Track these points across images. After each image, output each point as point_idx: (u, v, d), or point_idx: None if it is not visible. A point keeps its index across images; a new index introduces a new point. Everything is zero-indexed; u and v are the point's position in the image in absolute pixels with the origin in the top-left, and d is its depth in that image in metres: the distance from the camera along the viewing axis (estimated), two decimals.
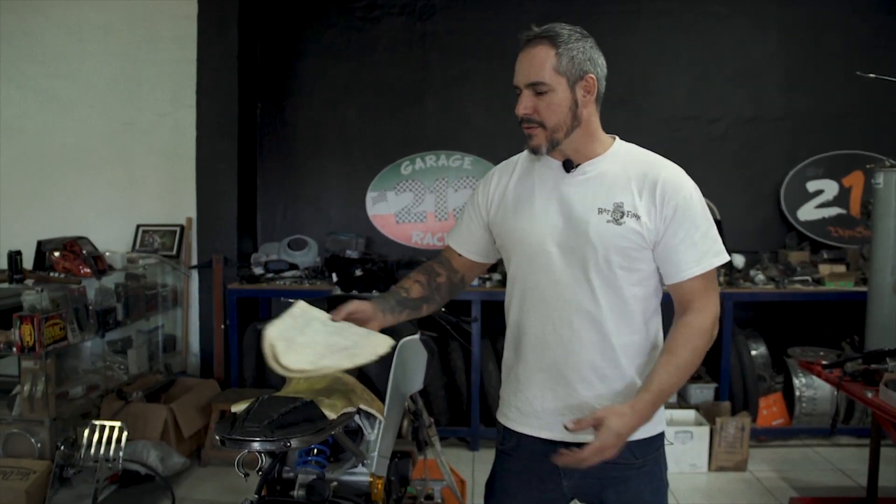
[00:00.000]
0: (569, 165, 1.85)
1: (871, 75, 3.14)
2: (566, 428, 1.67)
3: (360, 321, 1.92)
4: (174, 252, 5.19)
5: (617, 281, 1.79)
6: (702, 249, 1.77)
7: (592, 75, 1.80)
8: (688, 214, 1.77)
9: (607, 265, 1.78)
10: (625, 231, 1.76)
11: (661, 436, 1.92)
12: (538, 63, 1.77)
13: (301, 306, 1.93)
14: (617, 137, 1.92)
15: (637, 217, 1.76)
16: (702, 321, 1.77)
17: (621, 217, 1.77)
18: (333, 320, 1.90)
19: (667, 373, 1.73)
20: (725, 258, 1.81)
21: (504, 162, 2.04)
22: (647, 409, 1.70)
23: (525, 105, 1.80)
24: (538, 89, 1.78)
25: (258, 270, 4.97)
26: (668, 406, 4.69)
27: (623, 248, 1.77)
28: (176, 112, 5.25)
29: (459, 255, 2.09)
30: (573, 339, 1.81)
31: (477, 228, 2.04)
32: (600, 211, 1.78)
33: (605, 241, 1.77)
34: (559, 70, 1.76)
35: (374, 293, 2.93)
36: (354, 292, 2.95)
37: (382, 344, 1.86)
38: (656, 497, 1.91)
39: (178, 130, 5.23)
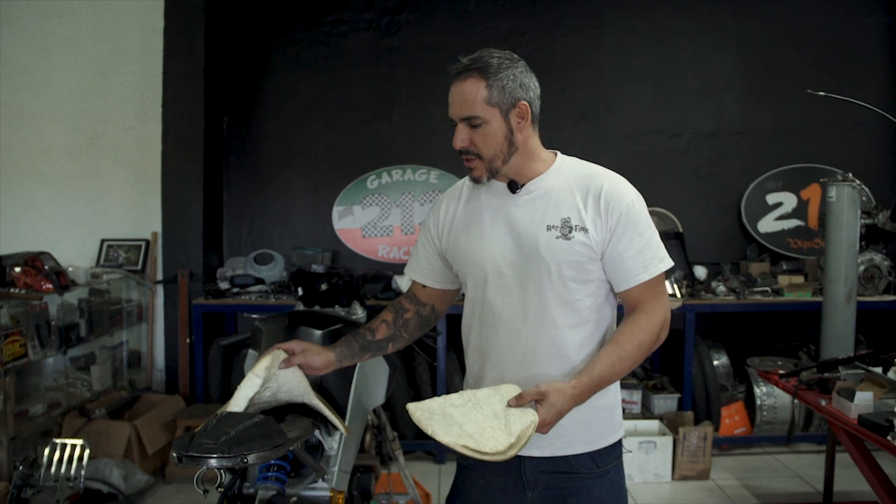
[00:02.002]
0: (514, 186, 1.88)
1: (821, 93, 3.22)
2: (508, 405, 1.67)
3: (311, 363, 1.96)
4: (139, 267, 5.16)
5: (571, 295, 1.82)
6: (648, 256, 1.80)
7: (525, 101, 1.82)
8: (631, 222, 1.80)
9: (561, 281, 1.81)
10: (574, 245, 1.79)
11: (620, 443, 1.95)
12: (470, 97, 1.79)
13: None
14: (558, 153, 1.94)
15: (584, 230, 1.79)
16: (650, 321, 1.80)
17: (570, 232, 1.80)
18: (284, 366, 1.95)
19: (609, 361, 1.74)
20: (670, 263, 1.85)
21: (450, 188, 2.07)
22: (585, 394, 1.71)
23: (461, 138, 1.83)
24: (472, 122, 1.80)
25: (224, 285, 4.95)
26: (632, 416, 4.75)
27: (574, 262, 1.80)
28: (142, 126, 5.23)
29: (423, 286, 2.11)
30: (532, 357, 1.84)
31: (432, 257, 2.06)
32: (549, 228, 1.81)
33: (557, 257, 1.79)
34: (491, 102, 1.78)
35: (337, 308, 2.96)
36: (317, 307, 2.96)
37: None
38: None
39: (143, 144, 5.21)
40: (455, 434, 1.64)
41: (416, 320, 2.10)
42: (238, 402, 1.90)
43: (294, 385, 1.98)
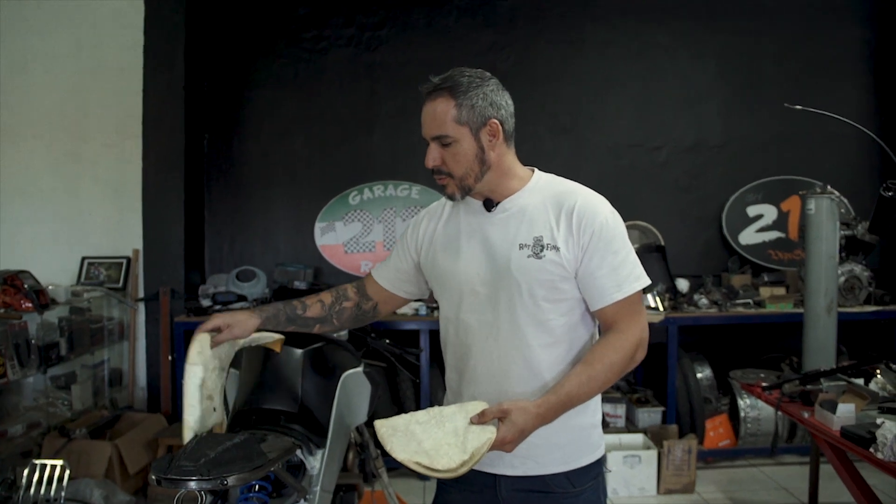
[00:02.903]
0: (489, 205, 1.89)
1: (798, 107, 3.25)
2: (471, 422, 1.66)
3: (236, 335, 2.01)
4: (120, 284, 5.11)
5: (544, 314, 1.81)
6: (622, 274, 1.79)
7: (496, 120, 1.82)
8: (604, 240, 1.78)
9: (532, 300, 1.80)
10: (545, 264, 1.79)
11: (598, 463, 1.93)
12: (440, 116, 1.80)
13: None
14: (535, 169, 1.95)
15: (556, 248, 1.79)
16: (622, 341, 1.78)
17: (541, 251, 1.79)
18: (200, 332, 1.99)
19: (578, 381, 1.72)
20: (646, 282, 1.83)
21: (433, 205, 2.09)
22: (551, 413, 1.69)
23: (433, 157, 1.85)
24: (443, 141, 1.82)
25: (206, 302, 4.92)
26: (617, 430, 4.75)
27: (545, 281, 1.79)
28: (122, 143, 5.19)
29: (381, 286, 2.14)
30: (505, 376, 1.83)
31: (404, 265, 2.09)
32: (521, 247, 1.81)
33: (528, 276, 1.79)
34: (460, 121, 1.79)
35: None
36: None
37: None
38: None
39: (124, 161, 5.18)
40: (412, 451, 1.63)
41: (352, 312, 2.14)
42: (191, 396, 1.92)
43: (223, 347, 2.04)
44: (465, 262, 1.88)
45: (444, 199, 2.03)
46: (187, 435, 1.88)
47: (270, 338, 2.17)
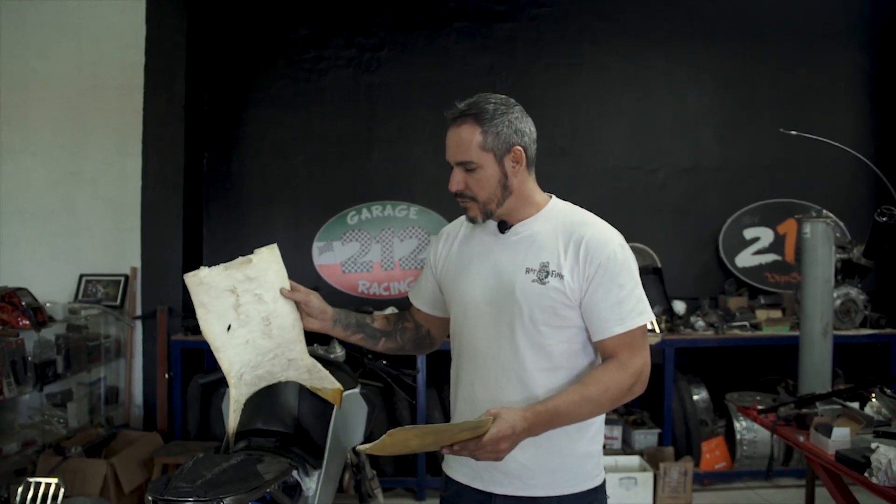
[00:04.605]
0: (503, 227, 1.92)
1: (793, 133, 3.28)
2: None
3: (308, 314, 1.96)
4: (118, 302, 5.11)
5: (543, 339, 1.82)
6: (626, 309, 1.79)
7: (520, 147, 1.86)
8: (610, 273, 1.79)
9: (532, 324, 1.82)
10: (548, 290, 1.80)
11: (592, 492, 1.90)
12: (465, 142, 1.83)
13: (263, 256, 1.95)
14: (553, 196, 1.97)
15: (560, 276, 1.80)
16: (621, 370, 1.78)
17: (546, 277, 1.81)
18: (285, 295, 1.93)
19: (570, 398, 1.72)
20: (649, 318, 1.84)
21: (454, 221, 2.11)
22: (537, 420, 1.67)
23: (456, 181, 1.87)
24: (467, 167, 1.84)
25: None
26: (613, 452, 4.74)
27: (547, 307, 1.81)
28: (121, 161, 5.21)
29: (418, 309, 2.15)
30: (500, 397, 1.84)
31: (430, 284, 2.11)
32: (527, 271, 1.83)
33: (530, 300, 1.81)
34: (485, 147, 1.82)
35: (316, 346, 2.94)
36: None
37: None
38: None
39: (123, 179, 5.19)
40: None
41: (413, 334, 2.14)
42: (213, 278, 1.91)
43: (288, 322, 1.94)
44: (474, 281, 1.91)
45: (462, 218, 2.05)
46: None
47: (332, 385, 2.07)
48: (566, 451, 1.85)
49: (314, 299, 1.97)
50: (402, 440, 1.59)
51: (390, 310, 2.17)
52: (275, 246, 1.94)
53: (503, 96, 1.89)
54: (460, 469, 1.96)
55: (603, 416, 1.91)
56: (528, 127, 1.89)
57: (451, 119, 1.86)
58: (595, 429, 1.91)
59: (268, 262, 1.91)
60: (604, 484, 1.94)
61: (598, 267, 1.79)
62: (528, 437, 1.69)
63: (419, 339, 2.15)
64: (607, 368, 1.79)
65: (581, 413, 1.75)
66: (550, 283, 1.81)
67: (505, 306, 1.84)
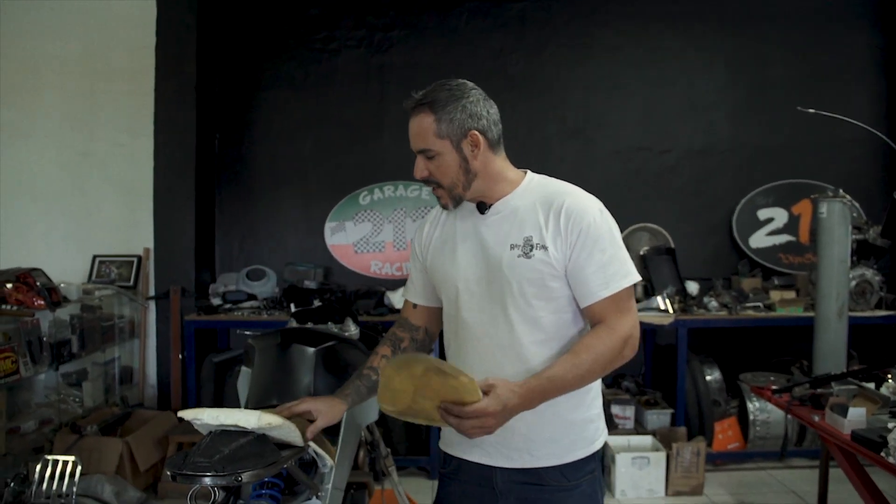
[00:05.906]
0: (482, 207, 1.95)
1: (811, 110, 3.25)
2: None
3: (329, 422, 1.98)
4: (131, 283, 5.14)
5: (535, 312, 1.85)
6: (610, 272, 1.82)
7: (476, 131, 1.88)
8: (591, 238, 1.81)
9: (523, 298, 1.85)
10: (535, 263, 1.83)
11: (593, 458, 1.94)
12: (422, 131, 1.87)
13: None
14: (528, 171, 2.00)
15: (545, 248, 1.83)
16: (610, 334, 1.80)
17: (531, 250, 1.84)
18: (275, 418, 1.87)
19: (563, 368, 1.75)
20: (634, 279, 1.85)
21: (433, 210, 2.14)
22: (534, 395, 1.71)
23: (420, 169, 1.92)
24: (427, 155, 1.89)
25: (216, 301, 4.94)
26: (626, 432, 4.75)
27: (535, 280, 1.84)
28: (133, 143, 5.23)
29: (414, 305, 2.16)
30: (498, 372, 1.83)
31: (420, 274, 2.12)
32: (512, 247, 1.86)
33: (518, 274, 1.84)
34: (440, 135, 1.86)
35: (330, 324, 2.95)
36: (309, 324, 2.95)
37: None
38: None
39: (135, 161, 5.21)
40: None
41: (412, 347, 2.15)
42: (230, 416, 1.86)
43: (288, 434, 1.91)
44: (461, 263, 1.94)
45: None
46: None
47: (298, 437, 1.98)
48: (567, 419, 1.89)
49: (325, 405, 1.98)
50: (386, 378, 1.69)
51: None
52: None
53: (461, 81, 1.91)
54: (459, 445, 1.99)
55: (600, 380, 1.93)
56: (485, 110, 1.90)
57: (408, 109, 1.90)
58: (594, 393, 1.95)
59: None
60: (602, 449, 1.98)
61: (579, 233, 1.82)
62: (525, 411, 1.73)
63: (419, 346, 2.17)
64: (597, 334, 1.81)
65: (575, 380, 1.78)
66: (536, 255, 1.83)
67: (495, 284, 1.88)
